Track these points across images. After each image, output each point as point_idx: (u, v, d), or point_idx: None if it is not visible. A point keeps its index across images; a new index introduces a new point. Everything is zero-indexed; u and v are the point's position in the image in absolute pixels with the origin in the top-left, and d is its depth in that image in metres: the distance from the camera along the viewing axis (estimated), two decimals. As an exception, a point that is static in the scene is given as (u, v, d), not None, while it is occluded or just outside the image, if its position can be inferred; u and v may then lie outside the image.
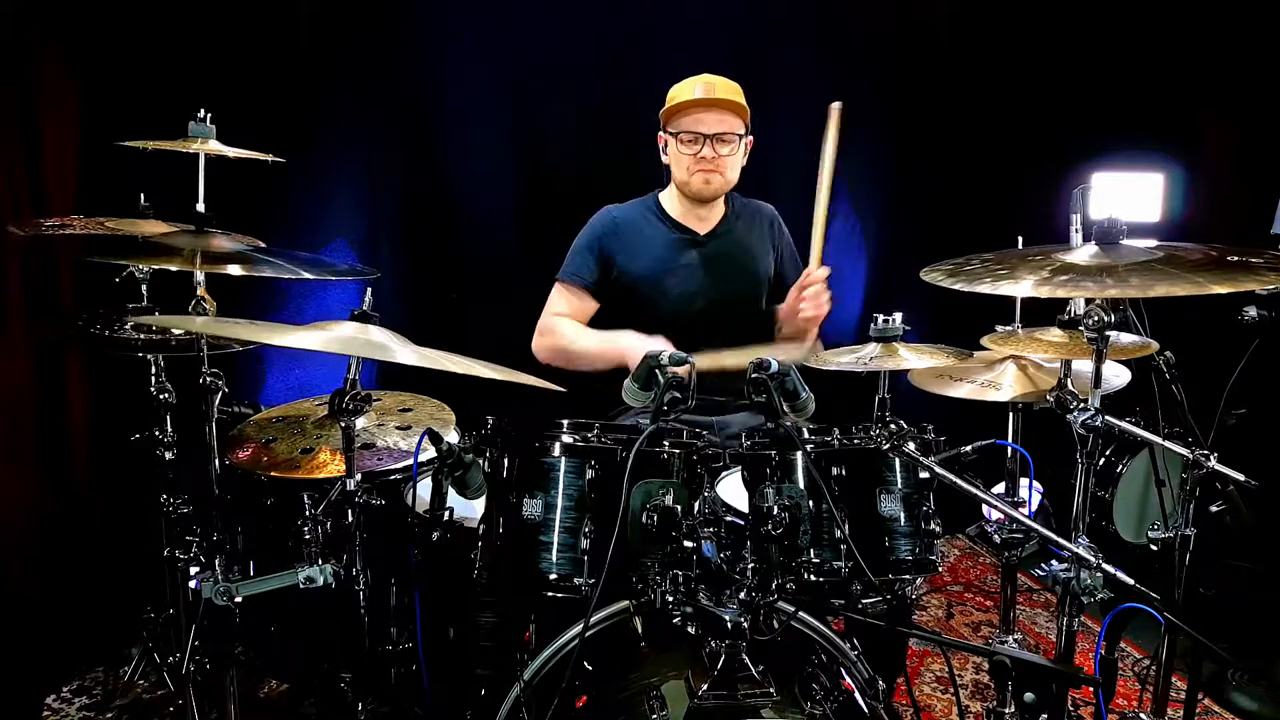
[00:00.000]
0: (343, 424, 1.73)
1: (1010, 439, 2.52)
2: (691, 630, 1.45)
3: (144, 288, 2.24)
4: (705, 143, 2.39)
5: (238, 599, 1.66)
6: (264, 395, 3.07)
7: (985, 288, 1.54)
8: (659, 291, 2.48)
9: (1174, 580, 1.94)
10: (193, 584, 2.19)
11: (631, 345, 2.31)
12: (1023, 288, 1.53)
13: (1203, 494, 1.95)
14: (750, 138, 2.47)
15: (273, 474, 1.99)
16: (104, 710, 2.45)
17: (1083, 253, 1.58)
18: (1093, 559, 1.50)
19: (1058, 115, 3.68)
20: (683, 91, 2.42)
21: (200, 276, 1.83)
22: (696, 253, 2.52)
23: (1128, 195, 3.50)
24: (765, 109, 2.49)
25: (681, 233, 2.53)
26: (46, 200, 2.59)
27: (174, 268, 1.80)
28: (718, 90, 2.39)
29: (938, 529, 1.75)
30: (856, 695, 1.61)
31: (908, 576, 1.78)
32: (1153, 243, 1.58)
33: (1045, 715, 1.43)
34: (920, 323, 2.05)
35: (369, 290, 1.73)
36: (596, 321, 2.56)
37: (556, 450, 1.69)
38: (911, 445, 1.70)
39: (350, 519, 1.76)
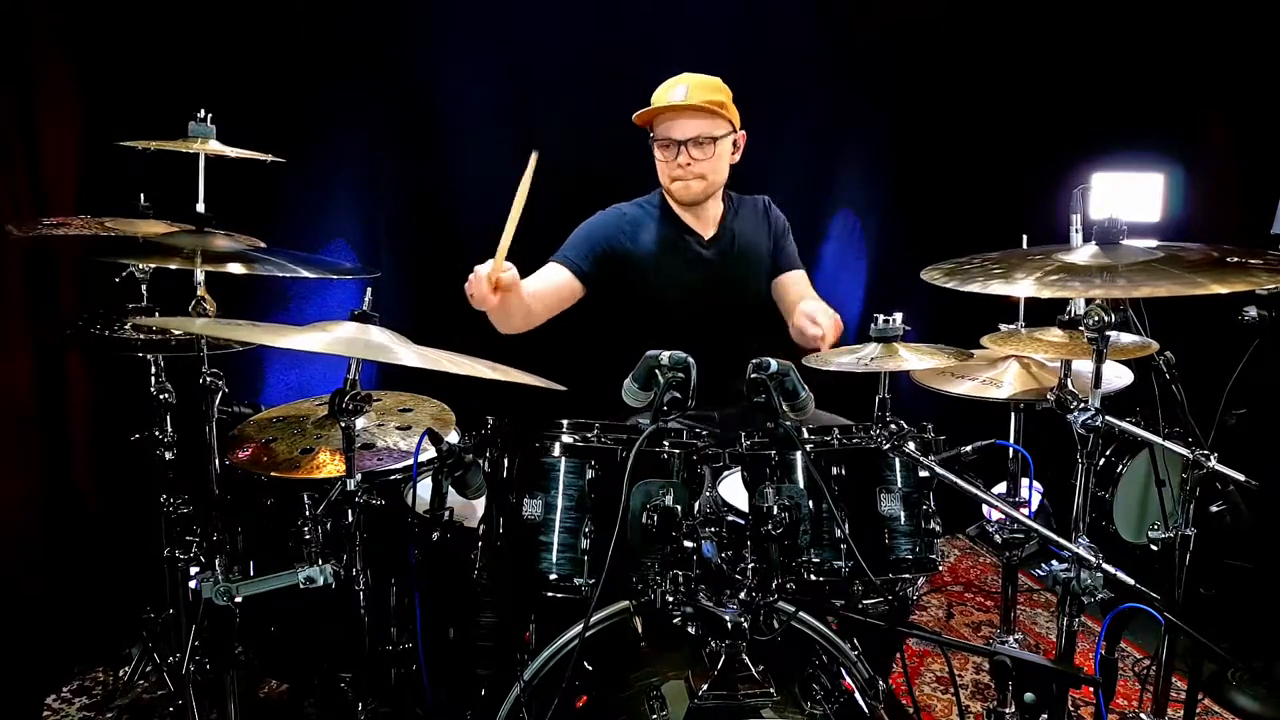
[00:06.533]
0: (343, 424, 1.73)
1: (1011, 439, 2.52)
2: (692, 630, 1.45)
3: (144, 288, 2.24)
4: (680, 149, 2.35)
5: (238, 599, 1.66)
6: (264, 395, 3.07)
7: (996, 287, 1.53)
8: (667, 292, 2.46)
9: (1174, 580, 1.94)
10: (193, 584, 2.19)
11: None
12: (1023, 287, 1.52)
13: (1203, 494, 1.95)
14: (740, 133, 2.42)
15: (273, 474, 1.98)
16: (104, 710, 2.45)
17: (1083, 253, 1.58)
18: (1093, 559, 1.50)
19: (1058, 115, 3.67)
20: (657, 97, 2.37)
21: (200, 276, 1.83)
22: (703, 255, 2.50)
23: (1128, 195, 3.49)
24: (765, 108, 2.48)
25: (688, 234, 2.50)
26: (46, 200, 2.58)
27: (173, 266, 1.80)
28: (689, 95, 2.31)
29: (938, 528, 1.75)
30: (857, 695, 1.61)
31: (908, 576, 1.78)
32: (1153, 242, 1.58)
33: (1045, 715, 1.43)
34: (920, 323, 2.05)
35: (369, 290, 1.73)
36: (601, 318, 2.52)
37: (556, 450, 1.69)
38: (911, 445, 1.70)
39: (350, 519, 1.76)
